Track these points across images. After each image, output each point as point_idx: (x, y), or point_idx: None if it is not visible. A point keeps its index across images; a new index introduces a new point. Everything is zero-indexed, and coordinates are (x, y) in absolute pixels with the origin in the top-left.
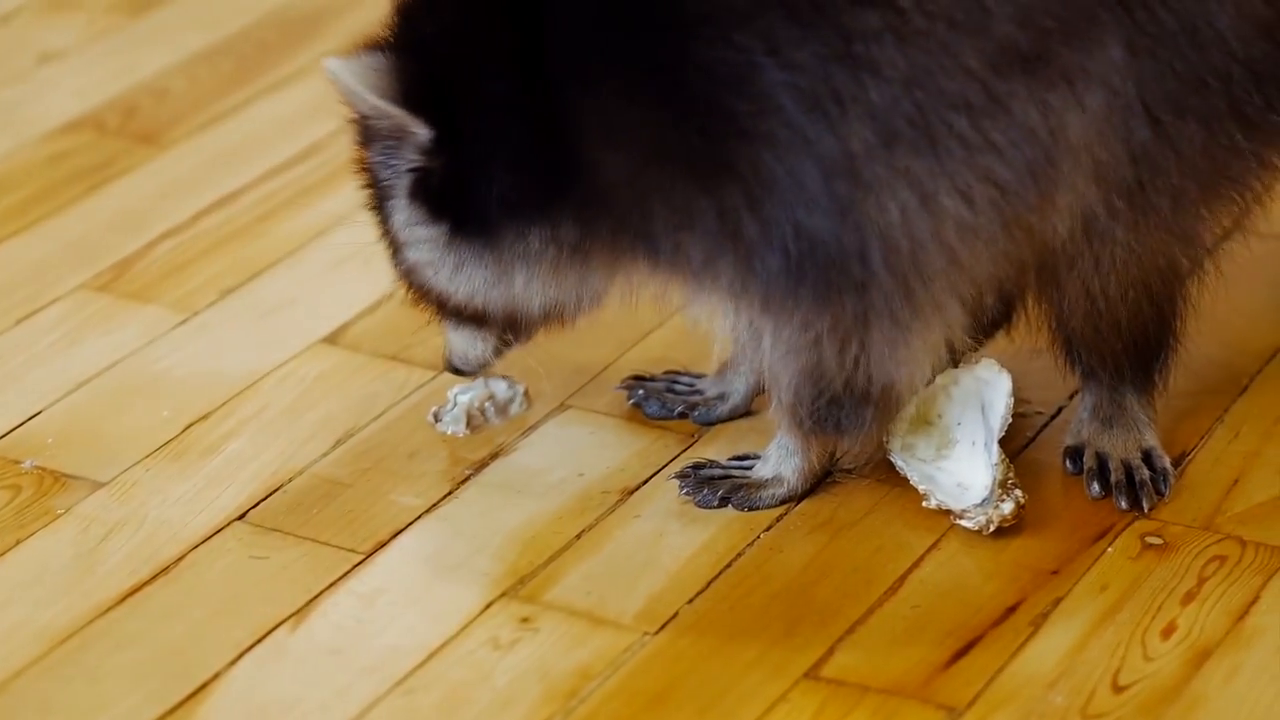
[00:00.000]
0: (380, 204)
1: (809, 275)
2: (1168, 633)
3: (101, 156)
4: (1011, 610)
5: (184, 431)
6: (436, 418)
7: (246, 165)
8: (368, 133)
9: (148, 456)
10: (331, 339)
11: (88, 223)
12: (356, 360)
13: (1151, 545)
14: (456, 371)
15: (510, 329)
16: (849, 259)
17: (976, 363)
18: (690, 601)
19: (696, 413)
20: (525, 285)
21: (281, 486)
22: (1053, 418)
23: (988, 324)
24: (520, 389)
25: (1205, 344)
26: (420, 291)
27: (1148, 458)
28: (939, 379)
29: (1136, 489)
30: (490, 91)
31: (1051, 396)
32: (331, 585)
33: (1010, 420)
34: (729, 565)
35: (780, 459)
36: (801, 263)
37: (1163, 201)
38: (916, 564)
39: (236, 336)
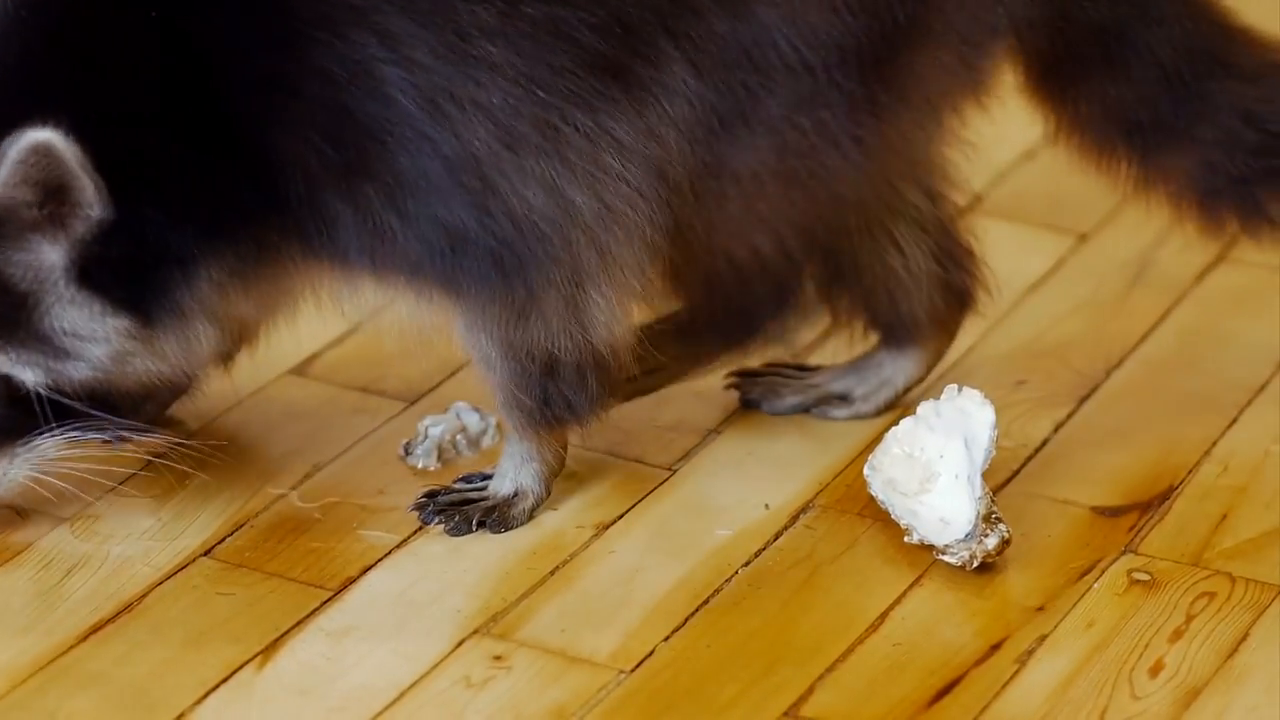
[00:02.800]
0: (21, 310)
1: (465, 264)
2: (1155, 671)
3: None
4: (995, 648)
5: (147, 465)
6: (407, 451)
7: None
8: None
9: (111, 491)
10: (299, 370)
11: None
12: (325, 392)
13: (1139, 581)
14: None
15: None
16: (499, 246)
17: (959, 394)
18: (667, 639)
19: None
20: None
21: (248, 521)
22: (1038, 450)
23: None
24: (492, 421)
25: (1191, 377)
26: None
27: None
28: (921, 410)
29: None
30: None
31: (1036, 430)
32: (299, 622)
33: (994, 453)
34: (706, 602)
35: (516, 469)
36: (454, 252)
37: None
38: (898, 601)
39: None
